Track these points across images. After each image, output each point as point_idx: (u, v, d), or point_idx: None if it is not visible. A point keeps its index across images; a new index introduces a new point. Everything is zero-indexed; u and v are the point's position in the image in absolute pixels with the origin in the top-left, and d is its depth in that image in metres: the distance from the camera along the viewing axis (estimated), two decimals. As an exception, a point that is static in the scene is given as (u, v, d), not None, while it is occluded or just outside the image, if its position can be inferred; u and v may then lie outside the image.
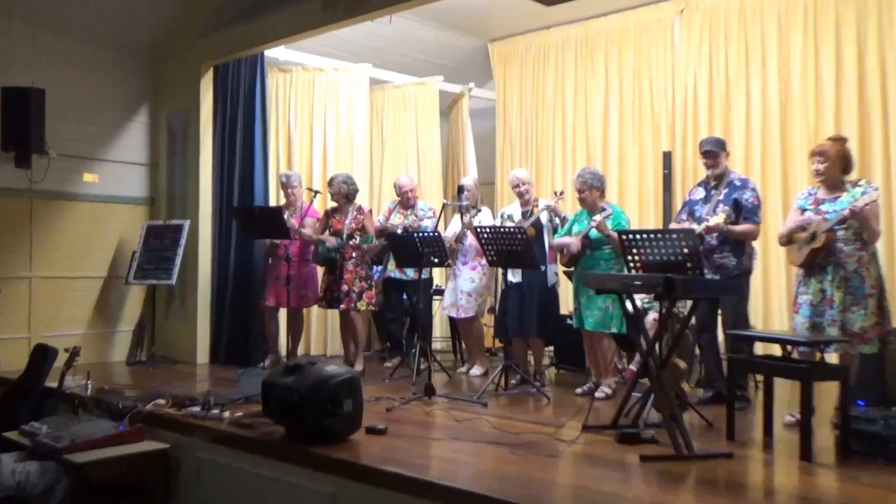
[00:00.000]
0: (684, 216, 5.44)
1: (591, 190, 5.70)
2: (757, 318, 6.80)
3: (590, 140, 8.25)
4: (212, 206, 7.48)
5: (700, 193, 5.46)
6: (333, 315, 7.50)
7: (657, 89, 7.70)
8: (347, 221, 6.76)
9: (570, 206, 7.05)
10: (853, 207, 4.43)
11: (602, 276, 4.77)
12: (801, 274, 4.72)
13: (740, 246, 5.27)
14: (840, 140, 4.76)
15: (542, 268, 6.05)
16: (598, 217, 5.47)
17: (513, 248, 5.63)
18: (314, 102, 8.04)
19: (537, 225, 6.23)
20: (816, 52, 6.64)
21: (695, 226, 5.19)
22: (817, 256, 4.58)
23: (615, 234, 5.19)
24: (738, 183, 5.33)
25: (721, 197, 5.28)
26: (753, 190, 5.30)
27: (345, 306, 6.67)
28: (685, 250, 4.13)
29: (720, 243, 5.24)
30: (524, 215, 6.34)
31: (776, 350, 4.78)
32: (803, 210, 4.74)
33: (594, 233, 5.63)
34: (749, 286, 5.44)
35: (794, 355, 4.49)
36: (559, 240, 5.82)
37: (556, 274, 6.31)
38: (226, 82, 7.42)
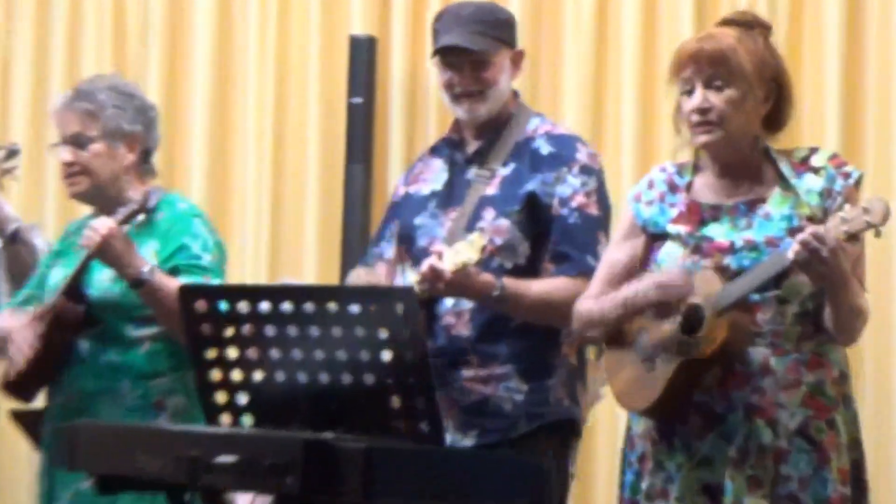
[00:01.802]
0: (386, 248, 4.03)
1: (106, 143, 4.03)
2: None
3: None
4: None
5: (436, 178, 3.94)
6: None
7: None
8: None
9: (51, 201, 5.72)
10: (809, 239, 3.02)
11: (105, 429, 3.17)
12: (642, 435, 3.28)
13: (547, 343, 3.70)
14: (756, 27, 3.31)
15: None
16: (100, 226, 4.05)
17: None
18: None
19: None
20: None
21: (410, 275, 3.94)
22: (700, 382, 3.10)
23: (164, 282, 3.77)
24: (546, 148, 3.76)
25: (494, 189, 3.77)
26: (588, 171, 3.74)
27: None
28: (379, 353, 2.92)
29: (480, 334, 3.67)
30: None
31: None
32: (654, 234, 3.34)
33: (102, 280, 4.10)
34: (570, 469, 3.84)
35: None
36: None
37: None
38: None
